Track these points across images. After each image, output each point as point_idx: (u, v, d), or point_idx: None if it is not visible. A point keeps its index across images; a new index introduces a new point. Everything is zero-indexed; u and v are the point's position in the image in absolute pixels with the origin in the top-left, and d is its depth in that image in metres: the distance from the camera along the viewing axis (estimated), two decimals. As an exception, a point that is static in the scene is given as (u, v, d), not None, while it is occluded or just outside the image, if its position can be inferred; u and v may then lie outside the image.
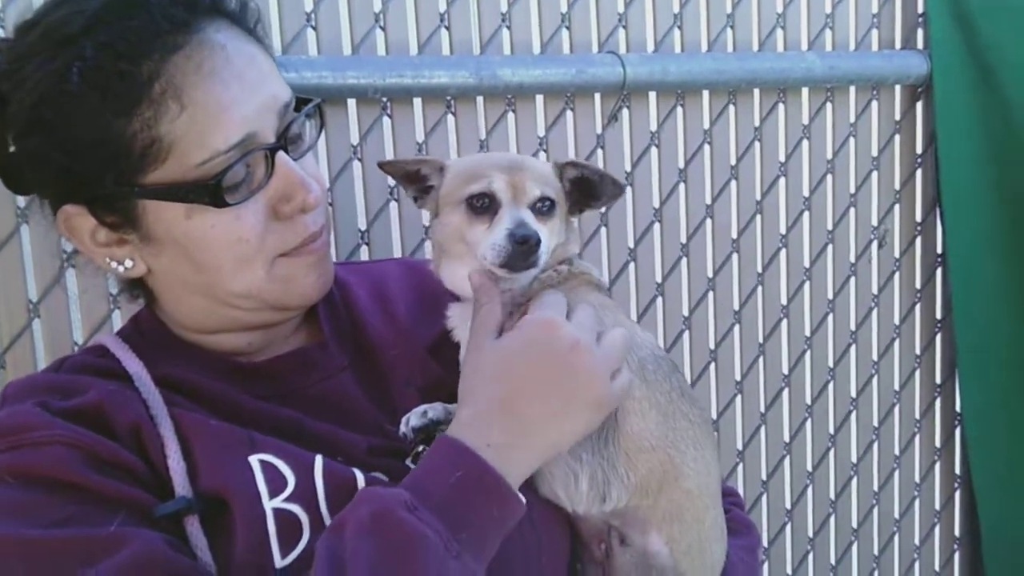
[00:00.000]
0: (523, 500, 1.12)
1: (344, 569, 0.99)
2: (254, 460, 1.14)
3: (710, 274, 2.35)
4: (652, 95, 2.22)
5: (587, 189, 1.38)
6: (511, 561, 1.17)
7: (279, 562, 1.11)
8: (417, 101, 2.00)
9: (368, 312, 1.42)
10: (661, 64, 2.14)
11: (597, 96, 2.16)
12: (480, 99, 2.05)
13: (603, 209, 2.19)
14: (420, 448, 1.25)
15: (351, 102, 1.94)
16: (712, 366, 2.39)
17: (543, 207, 1.29)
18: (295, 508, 1.13)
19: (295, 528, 1.13)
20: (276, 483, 1.14)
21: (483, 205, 1.28)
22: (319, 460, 1.18)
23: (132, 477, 1.12)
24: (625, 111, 2.19)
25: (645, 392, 1.26)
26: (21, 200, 1.69)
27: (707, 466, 1.30)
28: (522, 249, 1.23)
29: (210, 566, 1.11)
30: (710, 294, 2.36)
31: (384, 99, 1.95)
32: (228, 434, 1.17)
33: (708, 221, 2.33)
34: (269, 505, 1.12)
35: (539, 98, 2.11)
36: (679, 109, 2.25)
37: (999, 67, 2.40)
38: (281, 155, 1.20)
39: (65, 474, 1.07)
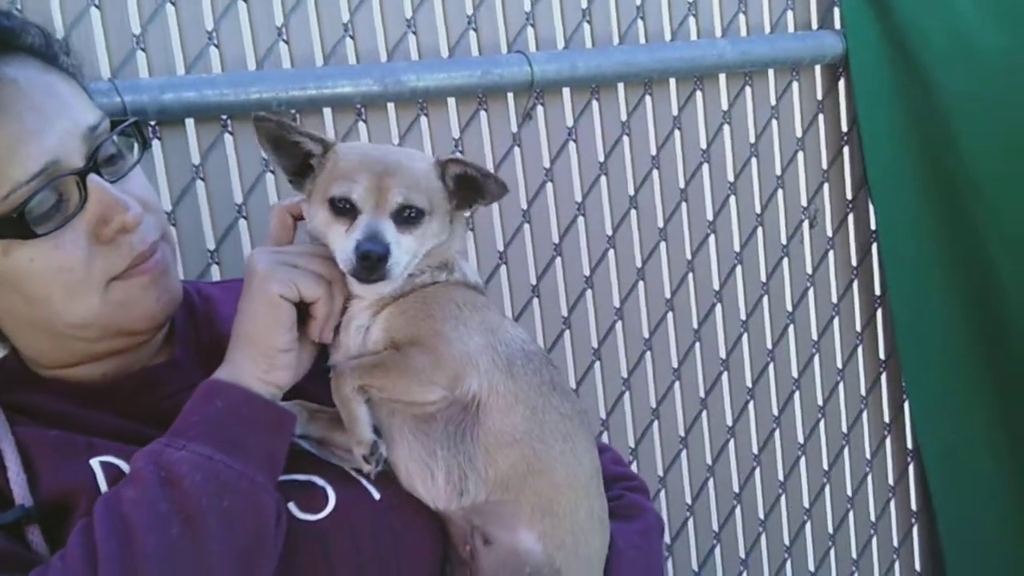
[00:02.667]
0: (253, 392, 1.20)
1: (121, 514, 1.07)
2: (95, 462, 1.17)
3: (639, 264, 2.38)
4: (565, 91, 2.24)
5: (473, 186, 1.37)
6: (365, 567, 1.20)
7: None
8: (327, 111, 2.03)
9: (228, 326, 1.40)
10: (569, 60, 2.16)
11: (510, 96, 2.18)
12: (391, 106, 2.08)
13: (523, 205, 2.22)
14: None
15: (258, 116, 1.97)
16: (648, 355, 2.41)
17: (409, 214, 1.27)
18: None
19: None
20: (117, 480, 1.15)
21: (344, 208, 1.27)
22: None
23: None
24: (540, 108, 2.22)
25: (511, 387, 1.27)
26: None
27: (577, 458, 1.31)
28: (365, 264, 1.23)
29: None
30: (640, 284, 2.38)
31: (293, 111, 1.98)
32: (67, 441, 1.19)
33: (633, 212, 2.35)
34: None
35: (451, 101, 2.13)
36: (594, 103, 2.27)
37: (914, 42, 2.42)
38: (93, 178, 1.20)
39: None
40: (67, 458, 1.18)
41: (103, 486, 1.15)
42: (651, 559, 1.46)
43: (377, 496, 1.26)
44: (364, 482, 1.27)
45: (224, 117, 1.93)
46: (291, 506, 1.20)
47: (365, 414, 1.26)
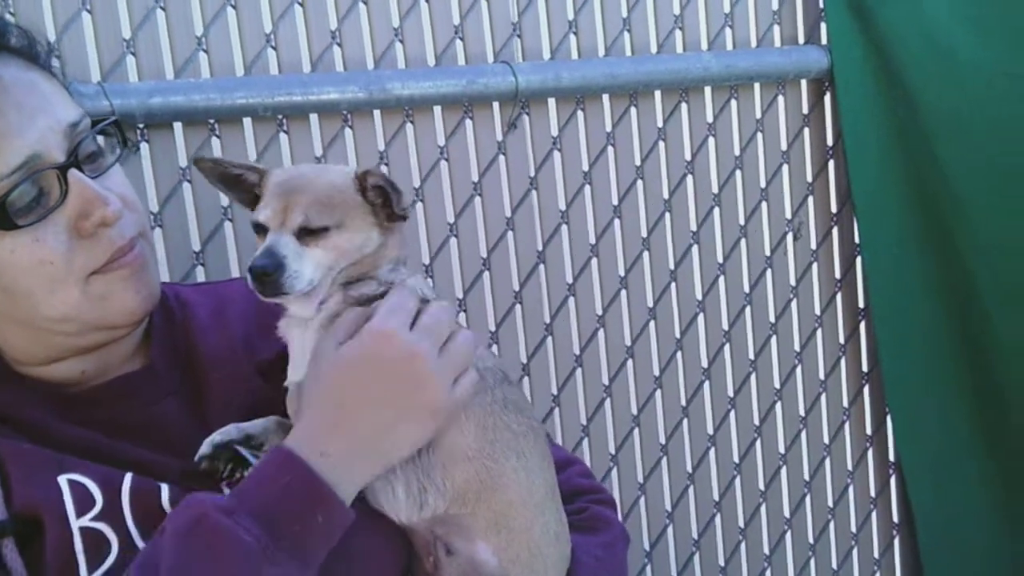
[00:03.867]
0: (350, 509, 1.15)
1: (156, 570, 1.04)
2: (62, 480, 1.18)
3: (622, 272, 2.40)
4: (551, 101, 2.27)
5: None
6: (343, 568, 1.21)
7: None
8: (314, 118, 2.06)
9: (205, 332, 1.44)
10: (554, 71, 2.19)
11: (495, 105, 2.21)
12: (377, 113, 2.11)
13: (508, 213, 2.25)
14: (229, 468, 1.28)
15: (247, 121, 2.01)
16: (630, 363, 2.44)
17: (313, 229, 1.28)
18: (102, 526, 1.17)
19: (103, 545, 1.16)
20: (84, 502, 1.17)
21: (261, 230, 1.30)
22: (128, 478, 1.21)
23: None
24: (526, 118, 2.25)
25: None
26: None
27: (530, 475, 1.32)
28: (256, 279, 1.25)
29: None
30: (623, 292, 2.41)
31: (280, 117, 2.01)
32: (38, 455, 1.20)
33: (616, 221, 2.38)
34: (76, 524, 1.15)
35: (437, 109, 2.17)
36: (579, 114, 2.30)
37: (898, 58, 2.44)
38: (74, 172, 1.22)
39: None
40: (37, 473, 1.18)
41: (69, 506, 1.16)
42: (613, 570, 1.47)
43: None
44: None
45: (211, 121, 1.96)
46: None
47: None
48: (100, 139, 1.33)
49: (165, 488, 1.22)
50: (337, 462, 1.16)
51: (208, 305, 1.49)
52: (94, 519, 1.17)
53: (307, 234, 1.28)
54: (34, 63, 1.28)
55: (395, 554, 1.31)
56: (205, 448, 1.27)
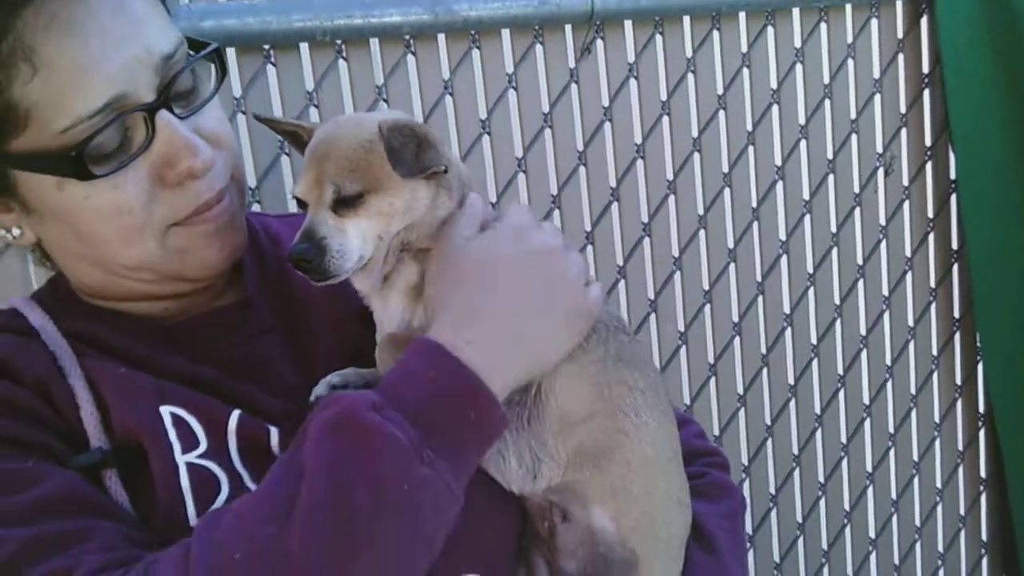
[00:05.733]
0: (504, 410, 1.05)
1: (301, 469, 0.95)
2: (165, 411, 1.09)
3: (701, 211, 2.25)
4: (627, 24, 2.10)
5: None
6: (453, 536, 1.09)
7: (194, 518, 1.05)
8: (374, 43, 1.91)
9: None
10: (633, -10, 2.02)
11: (568, 28, 2.05)
12: (441, 37, 1.95)
13: (580, 147, 2.10)
14: None
15: (303, 47, 1.86)
16: (707, 308, 2.29)
17: (347, 199, 1.14)
18: (210, 464, 1.08)
19: (211, 483, 1.08)
20: (188, 439, 1.08)
21: (302, 206, 1.17)
22: (235, 415, 1.12)
23: (47, 428, 1.07)
24: (599, 43, 2.08)
25: (570, 365, 1.16)
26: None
27: (651, 435, 1.19)
28: (297, 264, 1.12)
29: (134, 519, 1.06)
30: (701, 232, 2.25)
31: (338, 42, 1.86)
32: (138, 381, 1.10)
33: (696, 156, 2.21)
34: (182, 459, 1.07)
35: (505, 33, 2.01)
36: (658, 38, 2.13)
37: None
38: (163, 115, 1.08)
39: None
40: (137, 399, 1.09)
41: (173, 439, 1.07)
42: (738, 542, 1.36)
43: None
44: None
45: (266, 47, 1.82)
46: None
47: None
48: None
49: (274, 431, 1.12)
50: (484, 351, 1.05)
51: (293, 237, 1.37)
52: (200, 457, 1.08)
53: (344, 205, 1.14)
54: None
55: (510, 518, 1.20)
56: (322, 388, 1.17)
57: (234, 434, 1.11)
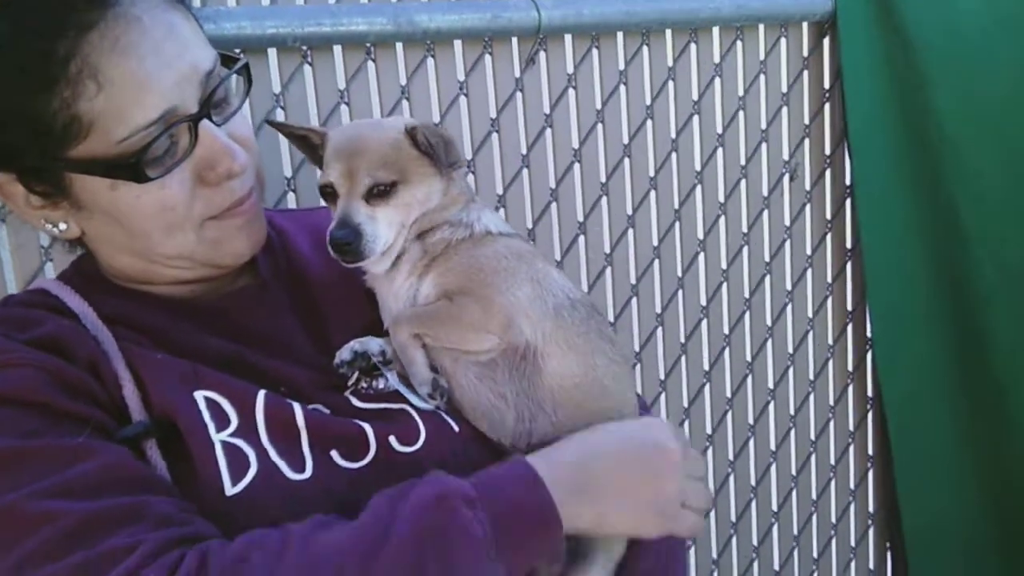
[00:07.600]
0: (562, 540, 1.20)
1: (389, 530, 1.08)
2: (199, 396, 1.20)
3: (629, 211, 2.43)
4: (568, 38, 2.26)
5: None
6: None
7: (229, 490, 1.16)
8: (337, 49, 2.03)
9: (307, 259, 1.47)
10: (575, 7, 2.18)
11: (515, 40, 2.20)
12: (399, 45, 2.08)
13: (523, 150, 2.25)
14: (356, 378, 1.33)
15: (271, 51, 1.96)
16: (633, 300, 2.48)
17: (380, 189, 1.32)
18: (240, 442, 1.19)
19: (242, 459, 1.19)
20: (220, 420, 1.19)
21: (331, 194, 1.35)
22: (261, 395, 1.24)
23: (96, 403, 1.18)
24: (543, 54, 2.24)
25: (562, 335, 1.34)
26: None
27: (627, 400, 1.39)
28: (338, 251, 1.31)
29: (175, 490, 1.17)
30: (630, 231, 2.44)
31: (304, 48, 1.97)
32: (174, 366, 1.22)
33: (626, 160, 2.40)
34: (217, 437, 1.18)
35: (458, 43, 2.15)
36: (594, 51, 2.30)
37: (900, 4, 2.50)
38: (205, 124, 1.23)
39: (34, 394, 1.12)
40: (174, 384, 1.20)
41: (207, 420, 1.18)
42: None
43: (456, 428, 1.31)
44: (443, 415, 1.32)
45: (238, 51, 1.91)
46: (392, 440, 1.25)
47: (422, 356, 1.33)
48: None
49: (297, 407, 1.24)
50: (564, 497, 1.19)
51: (303, 234, 1.52)
52: (232, 435, 1.19)
53: (375, 195, 1.32)
54: (174, 2, 1.25)
55: None
56: (346, 354, 1.33)
57: (262, 412, 1.23)
